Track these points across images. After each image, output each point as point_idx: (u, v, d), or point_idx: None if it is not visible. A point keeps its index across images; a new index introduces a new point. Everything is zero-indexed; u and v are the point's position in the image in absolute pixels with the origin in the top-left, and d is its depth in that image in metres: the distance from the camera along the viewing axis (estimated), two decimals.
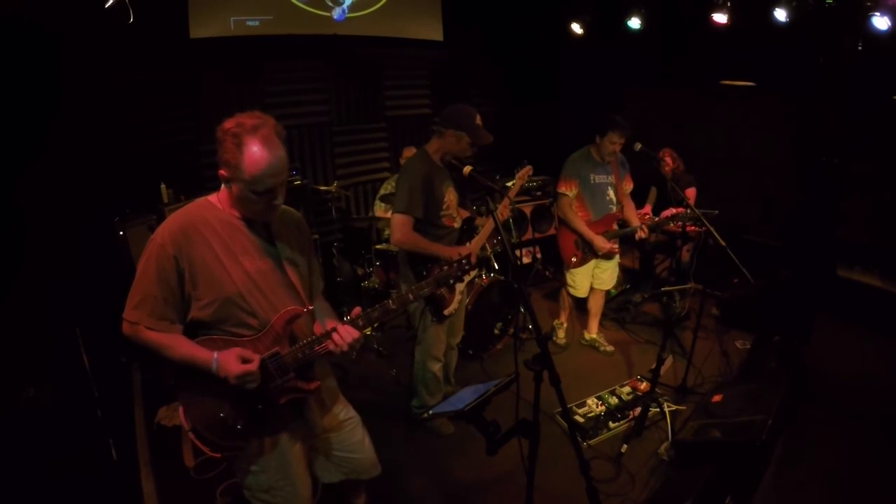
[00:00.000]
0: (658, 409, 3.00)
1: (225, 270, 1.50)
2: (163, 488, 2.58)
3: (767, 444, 2.35)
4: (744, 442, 2.38)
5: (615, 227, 3.59)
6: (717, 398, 2.87)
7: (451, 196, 2.70)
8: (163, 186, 3.66)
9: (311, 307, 1.67)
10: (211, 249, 1.49)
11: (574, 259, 3.57)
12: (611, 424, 2.99)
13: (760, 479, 2.41)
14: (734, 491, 2.23)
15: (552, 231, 5.11)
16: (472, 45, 5.70)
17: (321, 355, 1.63)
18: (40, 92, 3.16)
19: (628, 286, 4.77)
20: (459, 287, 2.80)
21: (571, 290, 3.73)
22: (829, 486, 2.50)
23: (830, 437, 2.82)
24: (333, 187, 4.38)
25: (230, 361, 1.45)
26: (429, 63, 5.53)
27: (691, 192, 4.29)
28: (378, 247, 4.20)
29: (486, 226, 2.95)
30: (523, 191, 3.35)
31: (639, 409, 2.99)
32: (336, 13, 4.68)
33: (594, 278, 3.70)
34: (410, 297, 1.74)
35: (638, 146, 3.30)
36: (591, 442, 2.86)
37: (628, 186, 3.64)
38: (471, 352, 3.71)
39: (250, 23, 4.28)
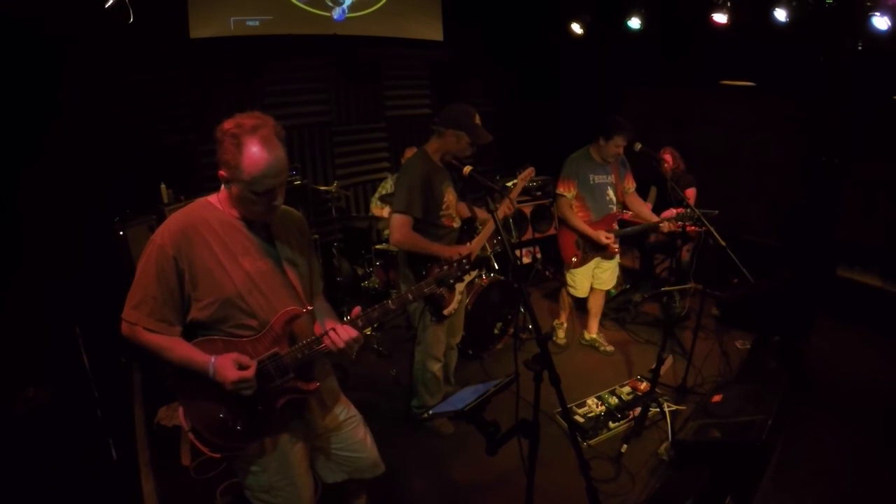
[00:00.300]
0: (658, 409, 3.00)
1: (225, 271, 1.49)
2: (163, 488, 2.58)
3: (767, 444, 2.35)
4: (744, 442, 2.38)
5: (616, 226, 3.59)
6: (717, 398, 2.87)
7: (450, 196, 2.70)
8: (163, 186, 3.66)
9: (310, 307, 1.67)
10: (211, 250, 1.49)
11: (574, 259, 3.57)
12: (611, 424, 2.98)
13: (760, 479, 2.41)
14: (734, 491, 2.23)
15: (552, 231, 5.11)
16: (472, 45, 5.70)
17: (321, 355, 1.63)
18: (40, 92, 3.17)
19: (628, 286, 4.77)
20: (459, 287, 2.80)
21: (571, 290, 3.73)
22: (830, 487, 2.50)
23: (830, 438, 2.82)
24: (333, 187, 4.38)
25: (227, 367, 1.44)
26: (429, 63, 5.53)
27: (691, 192, 4.29)
28: (378, 247, 4.20)
29: (486, 226, 2.94)
30: (523, 191, 3.35)
31: (639, 409, 2.99)
32: (336, 13, 4.68)
33: (594, 278, 3.70)
34: (410, 297, 1.74)
35: (638, 146, 3.30)
36: (591, 442, 2.86)
37: (631, 185, 3.64)
38: (471, 352, 3.71)
39: (250, 23, 4.28)
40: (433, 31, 5.32)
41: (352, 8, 4.74)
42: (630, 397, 3.21)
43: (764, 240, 4.68)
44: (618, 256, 3.69)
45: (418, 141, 3.03)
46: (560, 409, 2.50)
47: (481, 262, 3.81)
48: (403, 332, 4.09)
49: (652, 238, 3.54)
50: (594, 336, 3.94)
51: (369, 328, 1.67)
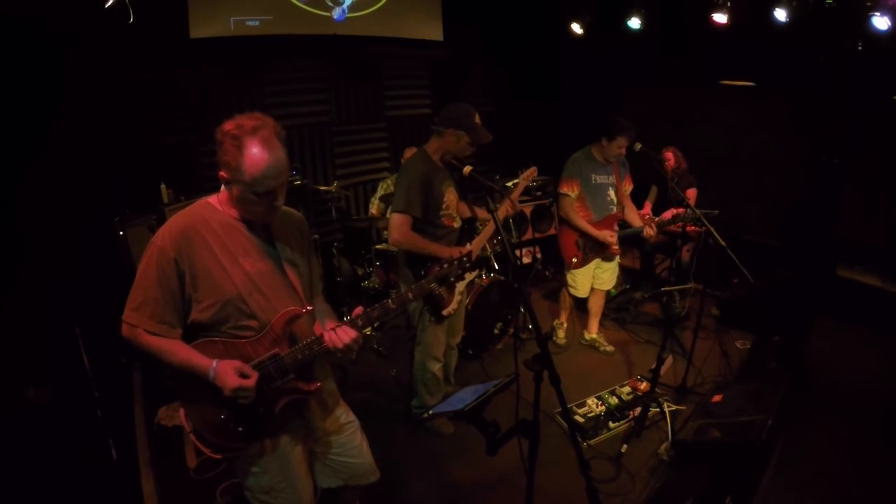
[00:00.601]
0: (658, 409, 3.00)
1: (225, 272, 1.49)
2: (163, 488, 2.59)
3: (767, 444, 2.35)
4: (744, 442, 2.38)
5: (616, 227, 3.59)
6: (717, 398, 2.88)
7: (450, 196, 2.70)
8: (163, 186, 3.66)
9: (310, 308, 1.67)
10: (211, 251, 1.49)
11: (575, 260, 3.57)
12: (611, 424, 2.99)
13: (760, 479, 2.40)
14: (734, 491, 2.23)
15: (552, 231, 5.11)
16: (472, 45, 5.70)
17: (321, 356, 1.63)
18: (40, 92, 3.17)
19: (628, 286, 4.77)
20: (459, 287, 2.80)
21: (572, 291, 3.73)
22: (829, 487, 2.49)
23: (830, 437, 2.81)
24: (333, 187, 4.38)
25: (228, 373, 1.44)
26: (429, 63, 5.53)
27: (692, 193, 4.29)
28: (378, 247, 4.20)
29: (486, 226, 2.94)
30: (523, 190, 3.36)
31: (639, 409, 2.99)
32: (336, 13, 4.67)
33: (595, 278, 3.70)
34: (410, 296, 1.74)
35: (638, 146, 3.30)
36: (591, 442, 2.86)
37: (628, 187, 3.64)
38: (471, 352, 3.71)
39: (250, 23, 4.28)
40: (433, 31, 5.32)
41: (352, 8, 4.74)
42: (630, 397, 3.21)
43: (764, 240, 4.68)
44: (618, 257, 3.69)
45: (418, 141, 3.03)
46: (560, 409, 2.50)
47: (481, 262, 3.81)
48: (403, 332, 4.09)
49: (652, 238, 3.53)
50: (594, 336, 3.94)
51: (369, 328, 1.67)
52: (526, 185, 3.16)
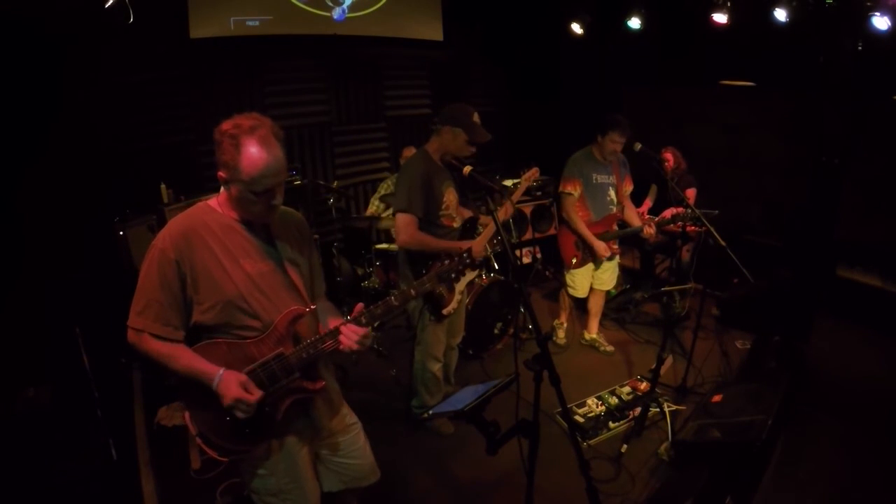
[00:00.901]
0: (658, 409, 3.00)
1: (226, 273, 1.49)
2: (163, 488, 2.58)
3: (767, 444, 2.35)
4: (744, 442, 2.37)
5: (615, 227, 3.59)
6: (717, 398, 2.88)
7: (450, 196, 2.70)
8: (163, 186, 3.66)
9: (313, 307, 1.67)
10: (212, 253, 1.49)
11: (574, 260, 3.57)
12: (611, 424, 2.99)
13: (760, 479, 2.41)
14: (734, 491, 2.23)
15: (552, 231, 5.11)
16: (472, 45, 5.70)
17: (326, 354, 1.63)
18: (40, 92, 3.17)
19: (628, 286, 4.77)
20: (459, 287, 2.79)
21: (571, 291, 3.73)
22: (830, 487, 2.49)
23: (830, 437, 2.82)
24: (334, 187, 4.38)
25: (231, 384, 1.44)
26: (429, 63, 5.53)
27: (691, 193, 4.29)
28: (378, 247, 4.20)
29: (487, 226, 2.94)
30: (524, 191, 3.37)
31: (639, 409, 2.99)
32: (336, 13, 4.68)
33: (594, 278, 3.70)
34: (412, 292, 1.74)
35: (638, 146, 3.30)
36: (591, 442, 2.86)
37: (628, 187, 3.64)
38: (471, 352, 3.71)
39: (250, 23, 4.28)
40: (433, 31, 5.32)
41: (352, 8, 4.74)
42: (630, 397, 3.21)
43: (764, 240, 4.67)
44: (618, 257, 3.69)
45: (418, 141, 3.03)
46: (560, 409, 2.50)
47: (481, 263, 3.81)
48: (403, 332, 4.09)
49: (651, 238, 3.54)
50: (594, 336, 3.94)
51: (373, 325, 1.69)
52: (528, 185, 3.16)
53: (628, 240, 3.72)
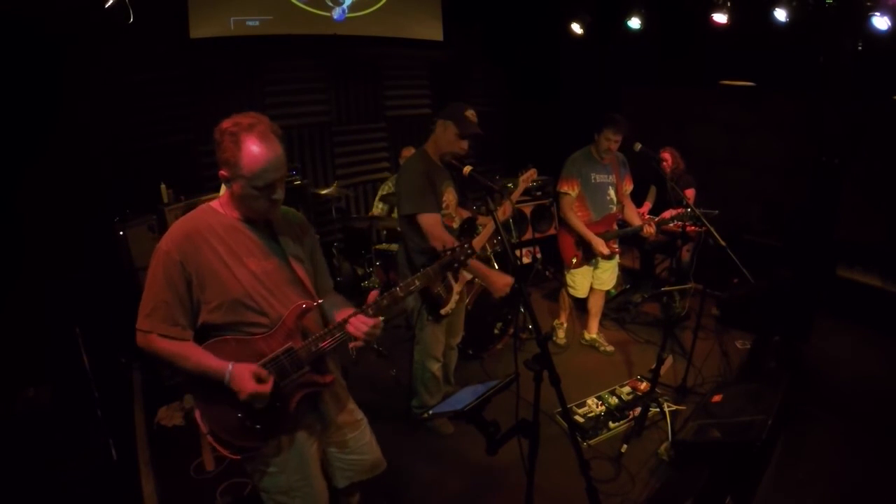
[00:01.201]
0: (658, 409, 3.00)
1: (231, 273, 1.51)
2: (163, 488, 2.58)
3: (767, 444, 2.35)
4: (744, 442, 2.38)
5: (615, 227, 3.59)
6: (717, 398, 2.87)
7: (450, 196, 2.70)
8: (163, 186, 3.66)
9: (320, 301, 1.69)
10: (216, 253, 1.51)
11: (574, 260, 3.57)
12: (611, 424, 2.99)
13: (760, 479, 2.40)
14: (734, 491, 2.23)
15: (552, 231, 5.11)
16: (472, 45, 5.70)
17: (336, 345, 1.64)
18: (40, 92, 3.17)
19: (628, 286, 4.77)
20: (457, 287, 2.79)
21: (571, 291, 3.73)
22: (830, 487, 2.49)
23: (830, 438, 2.81)
24: (333, 187, 4.37)
25: (245, 377, 1.46)
26: (429, 63, 5.53)
27: (690, 193, 4.28)
28: (378, 247, 4.20)
29: (486, 226, 2.94)
30: (523, 191, 3.37)
31: (639, 409, 2.99)
32: (336, 13, 4.68)
33: (594, 278, 3.70)
34: (417, 283, 1.75)
35: (638, 146, 3.29)
36: (591, 442, 2.86)
37: (628, 187, 3.64)
38: (471, 352, 3.71)
39: (250, 23, 4.28)
40: (433, 31, 5.32)
41: (352, 8, 4.74)
42: (630, 397, 3.21)
43: (764, 240, 4.67)
44: (617, 257, 3.68)
45: (418, 141, 3.03)
46: (560, 409, 2.50)
47: (481, 261, 3.81)
48: (403, 333, 4.09)
49: (651, 237, 3.54)
50: (594, 336, 3.93)
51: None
52: (526, 186, 3.16)
53: (628, 239, 3.71)
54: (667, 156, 4.35)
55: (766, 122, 4.85)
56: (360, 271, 4.46)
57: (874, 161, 4.18)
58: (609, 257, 3.61)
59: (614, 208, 3.55)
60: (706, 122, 5.26)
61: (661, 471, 2.66)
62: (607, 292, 3.90)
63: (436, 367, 2.90)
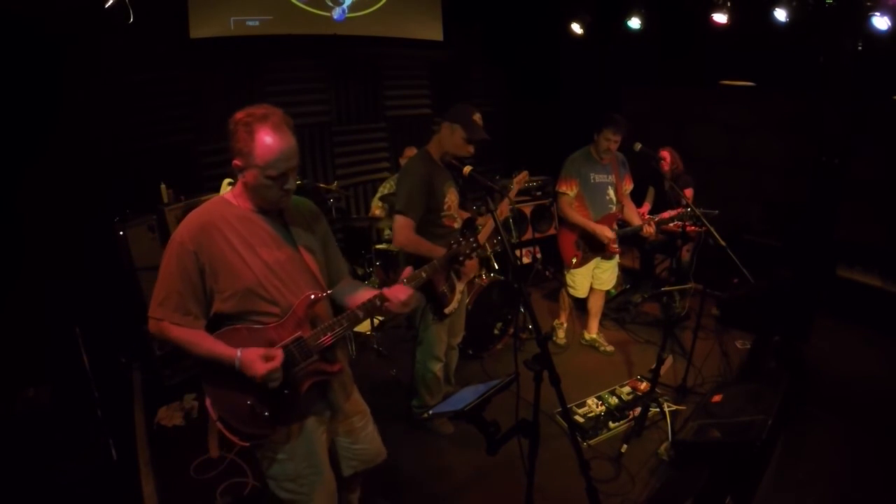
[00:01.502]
0: (658, 409, 3.00)
1: (244, 262, 1.54)
2: (163, 488, 2.59)
3: (767, 444, 2.35)
4: (744, 442, 2.37)
5: (615, 226, 3.59)
6: (717, 398, 2.87)
7: (451, 196, 2.69)
8: (163, 186, 3.65)
9: (329, 291, 1.72)
10: (229, 243, 1.54)
11: (574, 260, 3.57)
12: (611, 424, 2.99)
13: (760, 479, 2.41)
14: (734, 491, 2.23)
15: (552, 231, 5.11)
16: (472, 45, 5.70)
17: (344, 333, 1.67)
18: (40, 92, 3.16)
19: (628, 286, 4.77)
20: (459, 287, 2.80)
21: (571, 291, 3.73)
22: (830, 487, 2.50)
23: (830, 437, 2.82)
24: (334, 187, 4.37)
25: (254, 361, 1.49)
26: (429, 63, 5.53)
27: (689, 193, 4.28)
28: (378, 247, 4.20)
29: (486, 225, 2.94)
30: (523, 191, 3.37)
31: (639, 409, 2.99)
32: (336, 13, 4.68)
33: (594, 278, 3.70)
34: (423, 275, 1.82)
35: (638, 146, 3.30)
36: (591, 442, 2.86)
37: (628, 186, 3.64)
38: (471, 352, 3.71)
39: (250, 23, 4.28)
40: (433, 31, 5.32)
41: (352, 8, 4.74)
42: (630, 397, 3.22)
43: (764, 240, 4.68)
44: (617, 256, 3.68)
45: (418, 141, 3.03)
46: (560, 409, 2.50)
47: (482, 263, 3.81)
48: (403, 332, 4.08)
49: (651, 236, 3.54)
50: (594, 336, 3.94)
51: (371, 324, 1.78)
52: (519, 188, 3.17)
53: (628, 239, 3.71)
54: (665, 155, 4.36)
55: (766, 122, 4.85)
56: (360, 271, 4.47)
57: (874, 161, 4.18)
58: (609, 257, 3.61)
59: (614, 208, 3.55)
60: (706, 122, 5.26)
61: (661, 471, 2.66)
62: (607, 292, 3.90)
63: (438, 367, 2.90)
